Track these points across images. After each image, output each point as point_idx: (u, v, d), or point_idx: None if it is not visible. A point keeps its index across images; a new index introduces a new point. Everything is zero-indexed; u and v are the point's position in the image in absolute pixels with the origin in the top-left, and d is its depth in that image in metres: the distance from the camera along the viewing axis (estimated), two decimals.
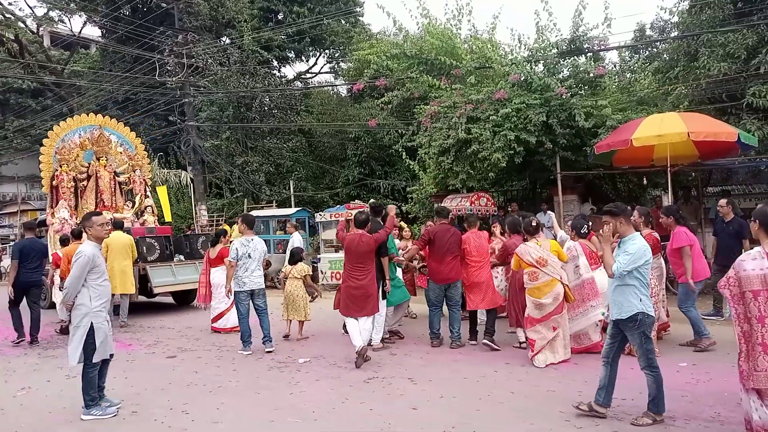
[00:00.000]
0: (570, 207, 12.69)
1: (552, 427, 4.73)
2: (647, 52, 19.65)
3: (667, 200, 11.51)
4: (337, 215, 15.62)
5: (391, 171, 22.18)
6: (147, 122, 26.63)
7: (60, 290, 9.74)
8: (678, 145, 10.07)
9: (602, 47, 13.41)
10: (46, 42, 33.49)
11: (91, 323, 5.44)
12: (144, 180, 14.52)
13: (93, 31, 33.20)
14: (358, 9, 28.71)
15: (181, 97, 22.98)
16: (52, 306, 11.43)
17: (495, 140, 11.90)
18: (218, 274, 9.67)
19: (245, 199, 20.99)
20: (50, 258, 11.37)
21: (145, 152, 15.12)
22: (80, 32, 31.66)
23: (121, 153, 14.31)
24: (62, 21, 31.30)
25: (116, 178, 14.10)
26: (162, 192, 16.74)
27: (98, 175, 13.73)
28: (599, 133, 11.67)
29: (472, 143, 12.23)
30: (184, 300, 13.16)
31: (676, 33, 15.42)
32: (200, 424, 5.13)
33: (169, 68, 23.92)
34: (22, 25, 27.74)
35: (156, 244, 12.45)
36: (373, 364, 7.04)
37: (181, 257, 12.90)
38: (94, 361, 5.45)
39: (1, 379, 7.09)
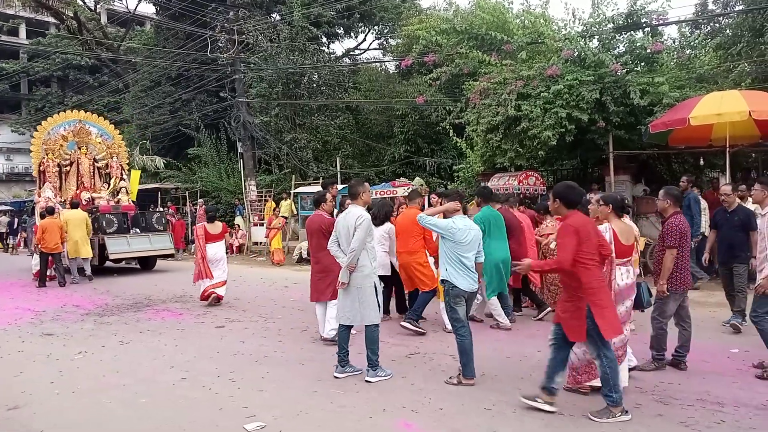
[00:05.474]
0: (622, 188, 12.31)
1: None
2: (709, 27, 18.78)
3: (725, 182, 11.09)
4: (382, 192, 15.63)
5: (438, 149, 21.98)
6: (198, 98, 27.12)
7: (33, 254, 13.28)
8: (738, 124, 9.68)
9: (661, 22, 12.93)
10: (104, 19, 34.43)
11: (374, 283, 5.56)
12: (120, 165, 16.80)
13: (148, 8, 33.98)
14: None
15: (232, 73, 23.29)
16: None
17: (546, 118, 11.66)
18: (216, 249, 9.78)
19: (293, 176, 21.20)
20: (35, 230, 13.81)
21: (122, 141, 17.66)
22: (135, 9, 32.44)
23: (100, 142, 16.70)
24: None
25: (95, 163, 16.46)
26: (134, 175, 18.18)
27: (79, 161, 16.16)
28: (655, 111, 11.31)
29: (521, 120, 12.01)
30: (146, 265, 15.92)
31: (741, 7, 14.69)
32: (246, 392, 5.27)
33: (220, 45, 24.23)
34: (80, 2, 28.51)
35: (114, 219, 14.90)
36: (415, 339, 7.08)
37: (137, 230, 15.24)
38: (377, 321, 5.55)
39: (60, 343, 7.44)
